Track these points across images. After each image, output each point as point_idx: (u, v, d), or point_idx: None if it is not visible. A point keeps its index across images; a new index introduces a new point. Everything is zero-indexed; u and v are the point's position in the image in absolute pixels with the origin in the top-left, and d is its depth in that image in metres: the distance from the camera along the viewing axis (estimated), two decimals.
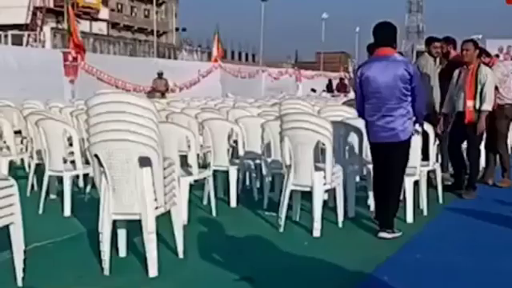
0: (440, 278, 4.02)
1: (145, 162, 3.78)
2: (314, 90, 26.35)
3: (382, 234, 4.89)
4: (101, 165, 3.84)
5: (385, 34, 4.94)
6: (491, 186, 7.23)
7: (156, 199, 3.87)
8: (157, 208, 3.90)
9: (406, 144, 4.93)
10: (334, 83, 27.76)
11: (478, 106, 6.48)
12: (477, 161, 6.80)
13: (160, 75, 17.79)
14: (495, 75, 6.80)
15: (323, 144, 5.12)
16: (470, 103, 6.49)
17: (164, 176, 3.93)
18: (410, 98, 4.85)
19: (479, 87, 6.46)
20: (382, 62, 4.88)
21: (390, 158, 4.94)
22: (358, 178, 6.12)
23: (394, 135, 4.85)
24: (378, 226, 5.05)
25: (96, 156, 3.84)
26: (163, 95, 16.99)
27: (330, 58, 52.49)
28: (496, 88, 6.94)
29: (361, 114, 5.10)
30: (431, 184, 6.32)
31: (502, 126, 7.30)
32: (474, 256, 4.42)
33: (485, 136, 7.00)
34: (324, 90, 26.57)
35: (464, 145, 6.84)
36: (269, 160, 6.08)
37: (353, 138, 5.69)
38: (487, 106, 6.46)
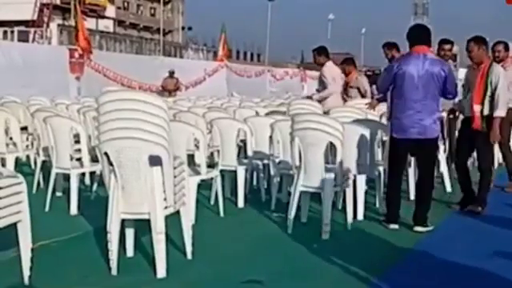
0: (450, 281, 3.97)
1: (155, 160, 3.72)
2: (318, 91, 26.25)
3: (418, 228, 5.09)
4: (110, 163, 3.79)
5: (423, 33, 5.13)
6: (499, 191, 7.18)
7: (165, 199, 3.81)
8: (166, 208, 3.84)
9: (435, 141, 5.14)
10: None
11: (486, 112, 5.76)
12: (488, 173, 5.99)
13: (171, 74, 17.70)
14: (508, 76, 6.54)
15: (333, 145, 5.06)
16: (477, 108, 5.78)
17: (174, 175, 3.88)
18: (440, 98, 5.06)
19: (489, 90, 5.74)
20: (419, 58, 4.98)
21: (420, 154, 5.18)
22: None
23: (425, 132, 5.00)
24: (385, 225, 5.19)
25: (106, 154, 3.79)
26: (170, 94, 16.93)
27: (335, 58, 52.32)
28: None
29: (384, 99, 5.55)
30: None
31: (506, 129, 7.14)
32: (483, 260, 4.35)
33: None
34: None
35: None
36: (277, 160, 6.03)
37: (362, 139, 5.63)
38: (500, 112, 5.74)
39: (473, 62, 6.02)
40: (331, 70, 7.92)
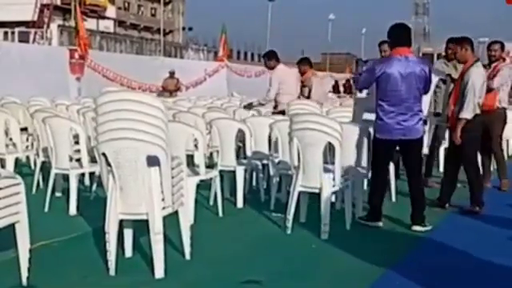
0: (450, 281, 3.97)
1: (153, 161, 3.73)
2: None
3: (416, 228, 5.14)
4: (108, 164, 3.80)
5: (404, 34, 5.14)
6: (497, 191, 7.20)
7: (163, 199, 3.81)
8: (164, 208, 3.84)
9: (419, 141, 5.19)
10: (340, 84, 27.70)
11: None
12: (471, 171, 5.96)
13: (172, 74, 17.70)
14: (504, 76, 6.42)
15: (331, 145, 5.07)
16: (453, 108, 5.93)
17: (172, 176, 3.88)
18: (422, 98, 5.13)
19: (463, 91, 5.79)
20: (402, 61, 5.03)
21: (406, 155, 5.25)
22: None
23: (409, 133, 5.06)
24: (367, 224, 5.26)
25: (104, 155, 3.80)
26: (171, 94, 16.92)
27: (335, 58, 52.42)
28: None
29: (359, 88, 5.56)
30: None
31: (499, 128, 7.22)
32: (482, 260, 4.35)
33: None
34: (330, 91, 26.51)
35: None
36: (276, 160, 6.04)
37: (360, 140, 5.63)
38: (464, 114, 5.70)
39: (459, 63, 6.21)
40: (279, 74, 8.03)
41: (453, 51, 7.38)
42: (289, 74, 8.29)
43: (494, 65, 7.07)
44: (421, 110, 5.14)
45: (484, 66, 6.58)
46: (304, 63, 8.72)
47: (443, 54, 7.70)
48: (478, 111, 5.84)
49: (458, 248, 4.67)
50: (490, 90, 6.72)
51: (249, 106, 8.65)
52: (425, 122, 5.48)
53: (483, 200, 5.94)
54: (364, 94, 5.56)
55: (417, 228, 5.13)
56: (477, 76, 5.78)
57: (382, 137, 5.16)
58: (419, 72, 5.03)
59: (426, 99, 5.97)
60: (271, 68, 8.01)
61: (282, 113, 7.54)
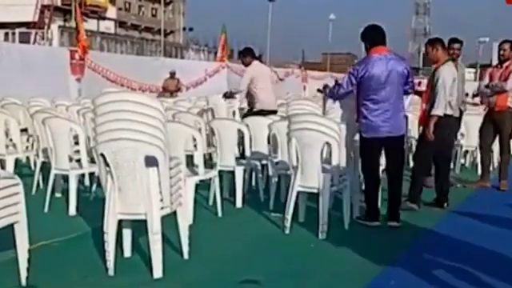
0: (448, 282, 3.97)
1: (151, 161, 3.75)
2: (320, 91, 26.26)
3: (393, 223, 5.25)
4: (107, 164, 3.81)
5: (379, 34, 5.25)
6: (497, 189, 7.21)
7: (162, 199, 3.83)
8: (162, 208, 3.86)
9: (403, 138, 5.33)
10: None
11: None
12: (421, 172, 6.08)
13: (172, 75, 17.72)
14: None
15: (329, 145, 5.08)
16: (424, 106, 5.99)
17: (170, 176, 3.89)
18: (404, 96, 5.27)
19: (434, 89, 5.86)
20: (383, 59, 5.13)
21: (390, 151, 5.31)
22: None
23: (393, 129, 5.16)
24: (365, 224, 5.29)
25: (102, 155, 3.81)
26: (172, 94, 16.93)
27: (336, 58, 52.42)
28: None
29: (337, 97, 5.44)
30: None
31: (509, 128, 7.22)
32: (482, 260, 4.37)
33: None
34: None
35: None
36: (275, 161, 6.05)
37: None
38: (435, 111, 5.73)
39: (432, 63, 6.21)
40: (253, 69, 8.11)
41: (455, 51, 7.41)
42: (263, 70, 8.40)
43: (505, 64, 7.08)
44: (404, 108, 5.26)
45: (496, 66, 6.69)
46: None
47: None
48: (449, 111, 5.90)
49: (456, 248, 4.69)
50: (504, 91, 6.82)
51: (227, 95, 8.72)
52: (406, 118, 5.64)
53: (421, 199, 6.04)
54: (337, 104, 5.57)
55: (393, 224, 5.23)
56: (447, 74, 5.83)
57: (369, 136, 5.22)
58: (401, 70, 5.16)
59: (409, 97, 6.03)
60: (247, 64, 8.12)
61: (260, 113, 7.63)
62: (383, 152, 5.39)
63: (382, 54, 5.15)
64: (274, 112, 7.81)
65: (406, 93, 5.36)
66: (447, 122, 5.90)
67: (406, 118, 5.58)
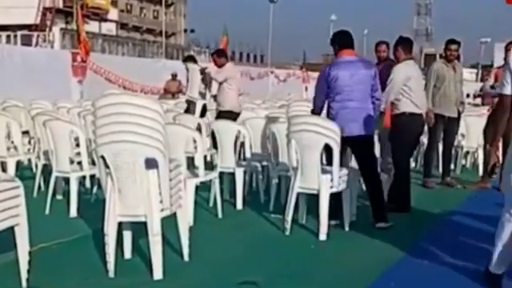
0: (448, 283, 3.98)
1: (151, 163, 3.76)
2: None
3: (380, 225, 5.23)
4: (107, 166, 3.83)
5: (347, 38, 5.38)
6: (497, 190, 7.19)
7: (162, 201, 3.85)
8: (162, 210, 3.88)
9: (371, 138, 5.37)
10: None
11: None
12: (401, 174, 6.03)
13: (174, 76, 17.77)
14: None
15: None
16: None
17: (170, 178, 3.91)
18: (372, 98, 5.29)
19: None
20: (350, 62, 5.25)
21: (359, 152, 5.35)
22: None
23: (361, 129, 5.18)
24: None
25: (102, 157, 3.83)
26: (173, 96, 16.97)
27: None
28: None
29: (317, 112, 5.44)
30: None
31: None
32: (482, 261, 4.36)
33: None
34: None
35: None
36: (275, 162, 6.06)
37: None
38: (380, 107, 5.67)
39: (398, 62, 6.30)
40: (232, 70, 8.38)
41: (453, 52, 7.43)
42: (237, 74, 8.72)
43: None
44: (372, 109, 5.28)
45: (502, 67, 6.70)
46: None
47: (443, 54, 7.73)
48: (414, 109, 6.00)
49: (456, 249, 4.68)
50: None
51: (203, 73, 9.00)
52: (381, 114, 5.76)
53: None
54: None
55: (381, 225, 5.21)
56: (399, 71, 6.01)
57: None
58: (366, 73, 5.23)
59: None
60: (221, 66, 8.24)
61: (229, 113, 7.76)
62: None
63: (349, 57, 5.26)
64: (238, 114, 8.06)
65: (375, 99, 5.32)
66: (413, 120, 6.02)
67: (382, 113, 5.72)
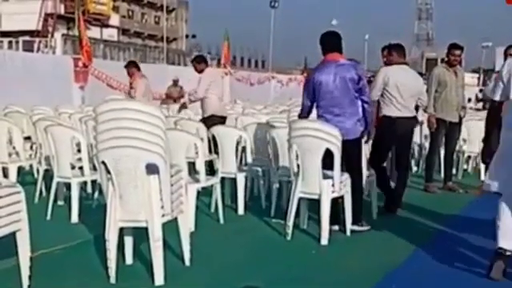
0: (450, 286, 3.97)
1: (152, 169, 3.77)
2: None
3: (354, 228, 5.22)
4: (108, 172, 3.84)
5: (333, 40, 5.31)
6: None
7: (163, 207, 3.85)
8: (163, 215, 3.88)
9: (358, 141, 5.27)
10: None
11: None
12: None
13: (175, 82, 17.79)
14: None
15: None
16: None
17: (171, 183, 3.91)
18: (359, 101, 5.20)
19: None
20: (332, 66, 5.17)
21: (344, 155, 5.17)
22: None
23: (347, 133, 5.10)
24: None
25: (103, 163, 3.84)
26: (175, 102, 16.98)
27: None
28: None
29: (303, 116, 5.40)
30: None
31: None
32: (483, 264, 4.35)
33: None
34: None
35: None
36: (276, 167, 6.06)
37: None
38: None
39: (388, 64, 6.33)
40: (211, 76, 8.36)
41: (456, 57, 7.43)
42: (217, 76, 8.86)
43: None
44: (358, 113, 5.22)
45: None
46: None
47: (445, 59, 7.72)
48: (398, 113, 6.05)
49: (458, 254, 4.67)
50: None
51: (181, 108, 8.96)
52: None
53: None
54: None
55: (355, 228, 5.21)
56: (378, 75, 6.15)
57: None
58: (350, 76, 5.13)
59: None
60: (201, 71, 8.24)
61: (211, 118, 7.72)
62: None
63: (332, 61, 5.18)
64: (224, 118, 8.01)
65: (364, 102, 5.24)
66: (391, 124, 6.06)
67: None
